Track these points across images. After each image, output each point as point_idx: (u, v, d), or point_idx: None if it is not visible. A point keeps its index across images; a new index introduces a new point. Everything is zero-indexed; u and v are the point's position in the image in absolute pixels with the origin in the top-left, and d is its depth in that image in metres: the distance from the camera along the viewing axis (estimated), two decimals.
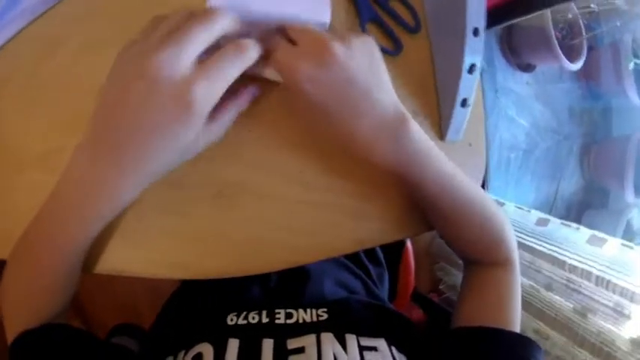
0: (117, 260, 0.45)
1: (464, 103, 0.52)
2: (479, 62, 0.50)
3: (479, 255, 0.54)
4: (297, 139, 0.49)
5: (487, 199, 0.51)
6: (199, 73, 0.33)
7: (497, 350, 0.44)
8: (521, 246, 1.35)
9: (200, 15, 0.33)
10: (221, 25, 0.34)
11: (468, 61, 0.49)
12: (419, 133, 0.43)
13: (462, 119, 0.54)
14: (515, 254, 0.54)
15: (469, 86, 0.51)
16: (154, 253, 0.45)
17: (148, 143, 0.34)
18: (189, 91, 0.32)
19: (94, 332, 1.30)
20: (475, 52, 0.49)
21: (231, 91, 0.37)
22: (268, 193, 0.48)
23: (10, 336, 0.41)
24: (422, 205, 0.51)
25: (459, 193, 0.47)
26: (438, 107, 0.55)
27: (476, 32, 0.48)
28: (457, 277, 1.72)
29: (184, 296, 0.67)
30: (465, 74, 0.49)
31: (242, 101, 0.42)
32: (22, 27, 0.43)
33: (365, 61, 0.40)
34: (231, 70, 0.35)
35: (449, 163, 0.46)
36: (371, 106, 0.41)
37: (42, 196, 0.39)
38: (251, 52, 0.36)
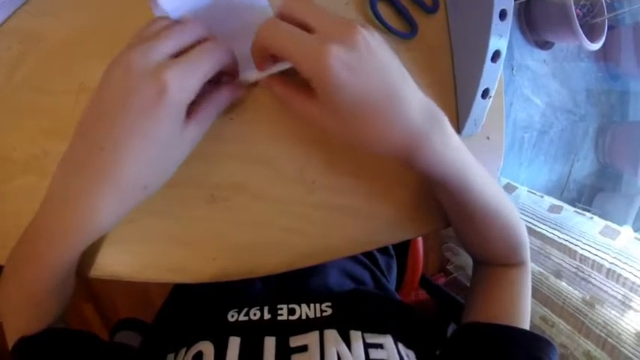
0: (112, 265, 0.44)
1: (485, 94, 0.47)
2: (504, 49, 0.45)
3: (497, 259, 0.53)
4: (296, 133, 0.46)
5: (510, 203, 0.48)
6: (172, 62, 0.32)
7: (514, 348, 0.43)
8: (532, 232, 1.35)
9: (173, 25, 0.35)
10: (193, 29, 0.35)
11: (492, 48, 0.44)
12: (453, 132, 0.39)
13: (481, 111, 0.49)
14: (529, 256, 0.53)
15: (492, 76, 0.46)
16: (150, 257, 0.44)
17: (126, 138, 0.33)
18: (162, 75, 0.31)
19: (105, 316, 1.34)
20: (501, 37, 0.44)
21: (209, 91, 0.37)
22: (266, 194, 0.46)
23: (10, 340, 0.41)
24: (446, 207, 0.49)
25: (489, 199, 0.44)
26: (455, 98, 0.51)
27: (503, 15, 0.43)
28: (465, 257, 1.74)
29: (185, 291, 0.67)
30: (488, 62, 0.45)
31: (221, 100, 0.39)
32: None
33: (386, 48, 0.35)
34: (204, 64, 0.34)
35: (480, 165, 0.43)
36: (410, 95, 0.35)
37: (28, 201, 0.39)
38: (224, 53, 0.36)
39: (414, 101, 0.35)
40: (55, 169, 0.35)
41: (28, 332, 0.40)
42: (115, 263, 0.44)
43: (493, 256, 0.53)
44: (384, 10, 0.47)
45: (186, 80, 0.33)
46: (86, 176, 0.33)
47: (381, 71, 0.33)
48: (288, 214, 0.46)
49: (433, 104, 0.37)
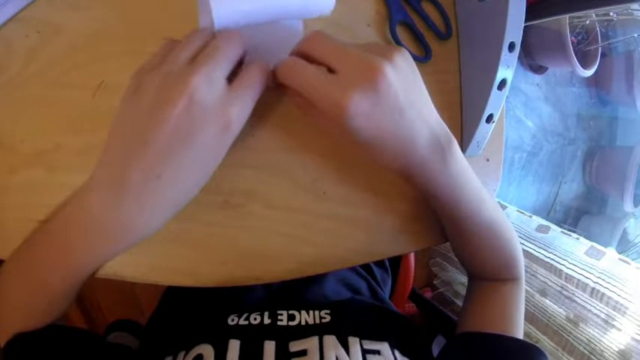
0: (118, 265, 0.43)
1: (489, 119, 0.50)
2: (510, 78, 0.47)
3: (492, 274, 0.54)
4: (312, 145, 0.47)
5: (506, 221, 0.50)
6: (233, 94, 0.33)
7: (506, 356, 0.45)
8: None
9: (220, 38, 0.34)
10: (240, 47, 0.34)
11: (499, 77, 0.47)
12: (460, 153, 0.41)
13: (484, 135, 0.52)
14: (523, 272, 0.54)
15: (497, 102, 0.49)
16: (158, 259, 0.44)
17: (186, 177, 0.34)
18: (228, 113, 0.32)
19: (89, 315, 1.28)
20: (508, 67, 0.46)
21: None
22: (279, 202, 0.46)
23: (3, 337, 0.39)
24: (444, 223, 0.50)
25: (485, 217, 0.46)
26: (461, 120, 0.53)
27: (512, 47, 0.45)
28: (451, 273, 1.74)
29: (182, 293, 0.66)
30: (494, 90, 0.47)
31: None
32: (16, 11, 0.39)
33: (410, 79, 0.36)
34: (257, 89, 0.35)
35: (480, 185, 0.45)
36: (422, 130, 0.37)
37: (31, 194, 0.39)
38: (266, 75, 0.36)
39: (421, 136, 0.37)
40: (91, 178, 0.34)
41: (28, 327, 0.38)
42: (121, 263, 0.42)
43: (488, 272, 0.54)
44: (402, 34, 0.49)
45: (245, 111, 0.34)
46: (145, 202, 0.33)
47: (396, 113, 0.35)
48: (298, 223, 0.47)
49: (441, 133, 0.39)
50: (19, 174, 0.40)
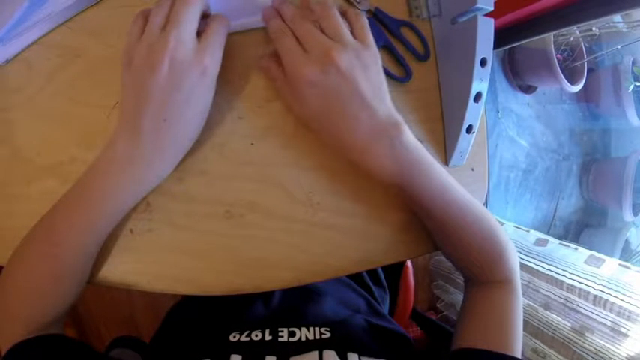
0: (123, 274, 0.46)
1: (469, 129, 0.53)
2: (485, 91, 0.51)
3: (478, 272, 0.53)
4: (307, 160, 0.50)
5: (488, 216, 0.50)
6: (203, 46, 0.39)
7: None
8: (520, 266, 1.33)
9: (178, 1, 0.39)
10: (199, 3, 0.39)
11: (474, 90, 0.50)
12: (413, 140, 0.45)
13: (466, 145, 0.55)
14: (517, 275, 0.53)
15: (475, 114, 0.52)
16: (162, 267, 0.47)
17: (184, 116, 0.40)
18: (203, 61, 0.39)
19: (89, 341, 1.28)
20: (482, 81, 0.50)
21: None
22: (277, 213, 0.49)
23: (16, 329, 0.41)
24: (420, 218, 0.51)
25: (454, 204, 0.47)
26: (443, 133, 0.56)
27: (483, 62, 0.49)
28: (455, 295, 1.73)
29: (186, 311, 0.68)
30: (471, 102, 0.51)
31: None
32: (40, 35, 0.44)
33: (366, 69, 0.42)
34: (223, 37, 0.42)
35: (443, 173, 0.47)
36: (368, 114, 0.42)
37: (44, 204, 0.41)
38: (228, 23, 0.43)
39: (366, 117, 0.42)
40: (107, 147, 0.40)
41: (31, 321, 0.41)
42: (126, 272, 0.46)
43: (474, 270, 0.53)
44: (384, 57, 0.52)
45: (217, 56, 0.41)
46: (154, 142, 0.40)
47: (342, 94, 0.41)
48: (295, 233, 0.50)
49: (388, 120, 0.43)
50: (34, 185, 0.45)
